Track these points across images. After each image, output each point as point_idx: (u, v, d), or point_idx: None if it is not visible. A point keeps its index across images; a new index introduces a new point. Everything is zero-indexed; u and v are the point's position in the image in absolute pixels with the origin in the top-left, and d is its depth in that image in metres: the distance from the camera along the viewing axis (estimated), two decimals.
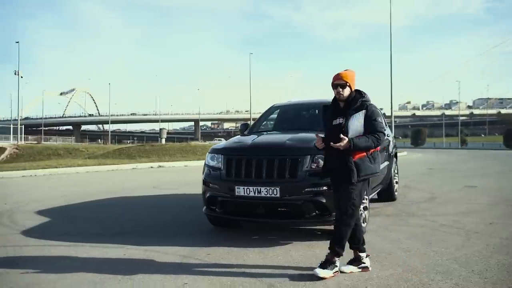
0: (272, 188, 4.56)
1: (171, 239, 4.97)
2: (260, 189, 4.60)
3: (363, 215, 5.01)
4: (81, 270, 3.83)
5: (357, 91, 3.80)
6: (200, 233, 5.36)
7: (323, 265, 3.62)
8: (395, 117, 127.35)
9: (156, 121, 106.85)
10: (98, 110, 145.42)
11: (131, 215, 6.68)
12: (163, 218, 6.38)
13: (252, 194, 4.63)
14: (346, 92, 3.71)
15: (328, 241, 4.09)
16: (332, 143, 3.59)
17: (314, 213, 4.61)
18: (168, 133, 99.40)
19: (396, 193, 7.67)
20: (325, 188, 4.56)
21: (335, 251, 3.65)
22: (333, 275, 3.60)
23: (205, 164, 5.32)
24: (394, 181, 7.60)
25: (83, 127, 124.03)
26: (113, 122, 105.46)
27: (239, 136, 6.02)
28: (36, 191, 9.98)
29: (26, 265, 4.02)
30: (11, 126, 50.61)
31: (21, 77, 49.26)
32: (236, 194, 4.71)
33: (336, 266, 3.65)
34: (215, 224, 5.57)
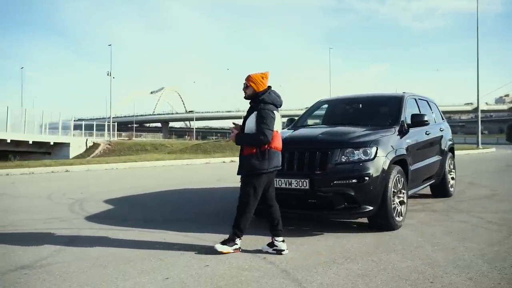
0: (302, 180, 4.74)
1: (212, 227, 5.32)
2: (291, 181, 4.80)
3: (397, 209, 5.01)
4: (122, 250, 4.30)
5: (264, 91, 4.22)
6: None
7: (224, 242, 4.17)
8: (490, 111, 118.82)
9: (239, 117, 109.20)
10: (185, 107, 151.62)
11: (186, 205, 7.15)
12: (214, 208, 6.77)
13: (283, 185, 4.84)
14: (248, 92, 4.24)
15: (359, 234, 4.31)
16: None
17: (343, 205, 4.70)
18: None
19: (451, 189, 7.41)
20: (354, 181, 4.65)
21: (234, 232, 4.20)
22: (232, 251, 4.15)
23: None
24: (450, 176, 7.35)
25: (171, 124, 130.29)
26: (198, 119, 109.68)
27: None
28: (111, 183, 10.93)
29: (78, 243, 4.59)
30: (106, 123, 54.76)
31: (113, 77, 53.18)
32: None
33: (237, 244, 4.20)
34: (256, 215, 5.82)
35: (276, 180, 4.87)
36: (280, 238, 4.22)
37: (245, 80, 4.25)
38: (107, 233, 5.06)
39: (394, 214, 4.93)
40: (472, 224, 5.25)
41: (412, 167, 5.61)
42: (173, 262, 3.90)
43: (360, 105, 6.55)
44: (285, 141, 5.26)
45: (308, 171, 4.76)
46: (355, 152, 4.76)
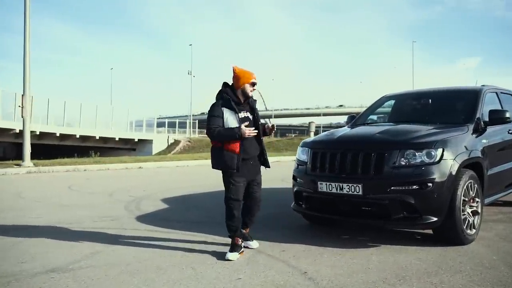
0: (355, 185, 4.23)
1: (259, 232, 4.93)
2: (342, 185, 4.31)
3: (469, 220, 4.33)
4: (157, 255, 4.09)
5: None
6: (291, 228, 5.25)
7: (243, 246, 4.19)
8: None
9: (318, 114, 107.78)
10: (265, 105, 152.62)
11: None
12: (268, 211, 6.38)
13: (334, 190, 4.37)
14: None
15: (421, 248, 4.09)
16: (267, 129, 4.31)
17: (401, 215, 4.13)
18: (330, 126, 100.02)
19: None
20: (415, 187, 4.06)
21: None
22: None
23: (296, 158, 5.20)
24: None
25: None
26: (276, 116, 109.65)
27: (337, 129, 5.73)
28: (177, 180, 10.99)
29: (117, 245, 4.45)
30: (187, 121, 56.59)
31: (193, 76, 54.80)
32: (319, 189, 4.50)
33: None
34: (309, 220, 5.40)
35: (326, 184, 4.44)
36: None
37: (255, 78, 4.20)
38: (150, 235, 4.90)
39: (465, 227, 4.24)
40: None
41: (489, 171, 4.85)
42: (204, 273, 3.60)
43: (430, 100, 5.83)
44: (338, 140, 4.80)
45: (362, 175, 4.24)
46: (416, 154, 4.15)
